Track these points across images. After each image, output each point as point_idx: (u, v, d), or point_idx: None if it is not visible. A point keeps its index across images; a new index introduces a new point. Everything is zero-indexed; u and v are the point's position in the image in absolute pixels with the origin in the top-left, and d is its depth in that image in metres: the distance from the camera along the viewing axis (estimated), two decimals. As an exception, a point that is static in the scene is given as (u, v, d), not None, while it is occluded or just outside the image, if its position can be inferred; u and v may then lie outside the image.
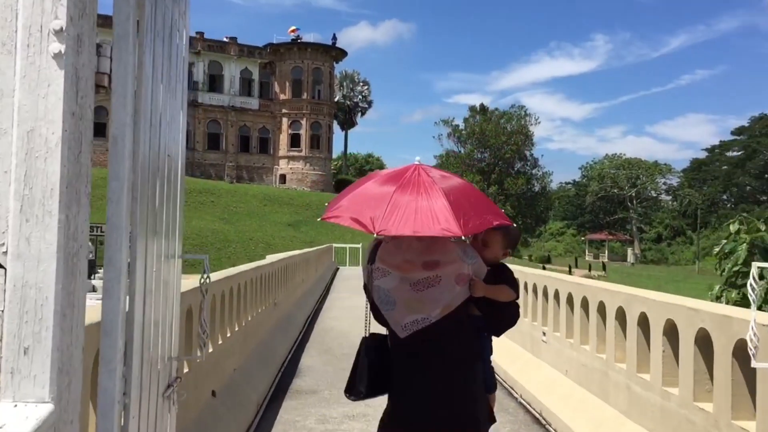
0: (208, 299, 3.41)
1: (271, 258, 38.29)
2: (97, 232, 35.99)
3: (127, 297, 2.24)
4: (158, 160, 2.60)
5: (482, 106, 61.41)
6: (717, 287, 11.51)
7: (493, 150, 56.83)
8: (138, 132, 2.27)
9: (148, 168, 2.44)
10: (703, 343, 4.63)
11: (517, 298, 3.56)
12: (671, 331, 5.10)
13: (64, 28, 1.87)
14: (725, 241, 12.07)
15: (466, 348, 3.35)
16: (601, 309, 6.48)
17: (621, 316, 6.03)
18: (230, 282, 7.36)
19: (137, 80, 2.30)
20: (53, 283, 1.83)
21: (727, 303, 10.64)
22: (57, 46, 1.86)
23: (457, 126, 59.04)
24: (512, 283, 3.52)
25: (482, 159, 58.09)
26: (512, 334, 9.53)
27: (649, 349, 5.46)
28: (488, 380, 3.94)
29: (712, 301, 11.23)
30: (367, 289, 3.43)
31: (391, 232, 3.02)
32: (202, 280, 3.35)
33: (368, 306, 3.49)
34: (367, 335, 3.58)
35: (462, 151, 58.69)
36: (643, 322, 5.56)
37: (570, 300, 7.49)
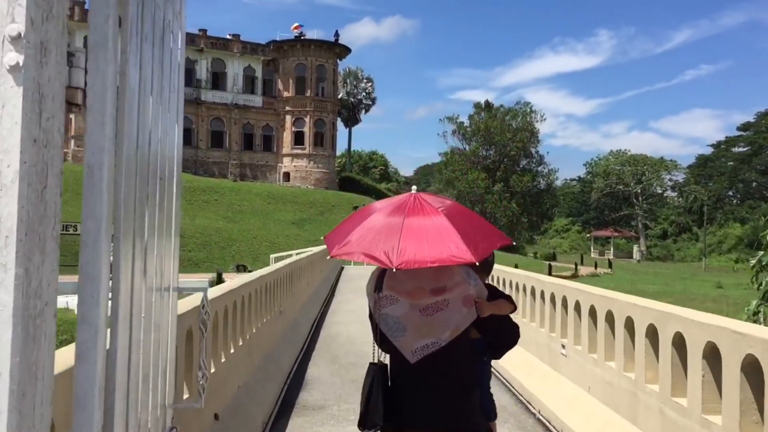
0: (208, 337, 3.03)
1: (275, 262, 38.22)
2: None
3: (107, 357, 1.86)
4: (147, 185, 2.22)
5: (487, 102, 60.77)
6: (754, 302, 10.99)
7: (498, 147, 56.26)
8: (120, 158, 1.89)
9: (135, 197, 2.06)
10: (751, 370, 4.23)
11: (515, 309, 3.72)
12: (712, 355, 4.70)
13: (22, 34, 1.48)
14: (762, 252, 11.56)
15: (470, 371, 3.41)
16: (629, 325, 6.08)
17: (652, 333, 5.63)
18: (233, 296, 6.99)
19: (119, 94, 1.91)
20: (8, 356, 1.45)
21: (765, 319, 10.18)
22: (14, 57, 1.48)
23: (462, 123, 58.44)
24: (506, 296, 3.68)
25: (487, 156, 57.50)
26: (527, 344, 9.15)
27: (685, 372, 5.07)
28: (488, 407, 3.98)
29: (748, 318, 10.75)
30: (373, 317, 3.43)
31: (410, 266, 3.05)
32: (202, 315, 2.97)
33: (375, 333, 3.47)
34: (375, 361, 3.50)
35: (467, 149, 58.08)
36: (679, 342, 5.16)
37: (593, 312, 7.09)
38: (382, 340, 3.38)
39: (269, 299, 9.42)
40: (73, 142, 59.47)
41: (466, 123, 58.32)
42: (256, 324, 8.31)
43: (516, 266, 54.83)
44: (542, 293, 8.89)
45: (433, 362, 3.24)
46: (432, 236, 3.15)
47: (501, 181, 54.41)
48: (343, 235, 3.39)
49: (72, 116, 59.43)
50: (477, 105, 59.59)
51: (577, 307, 7.59)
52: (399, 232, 3.16)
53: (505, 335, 3.62)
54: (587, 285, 8.32)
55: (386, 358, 3.47)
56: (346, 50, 74.42)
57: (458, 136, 58.08)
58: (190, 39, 67.70)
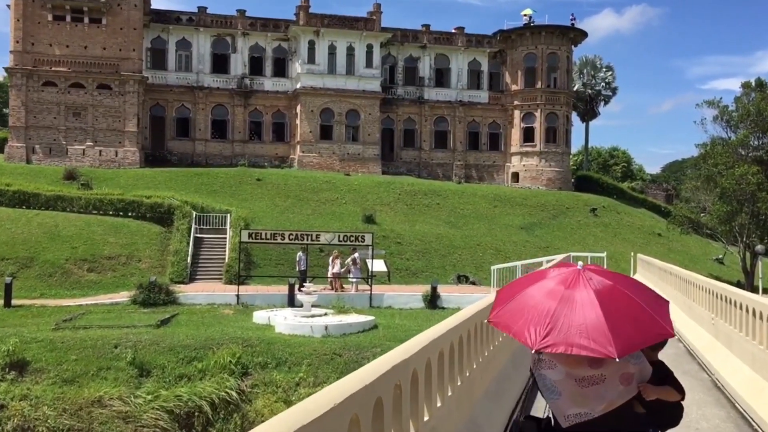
0: None
1: (496, 276, 32.03)
2: (307, 240, 33.11)
3: None
4: None
5: (759, 81, 49.77)
6: None
7: (774, 134, 45.82)
8: None
9: None
10: None
11: (684, 398, 3.68)
12: None
13: None
14: None
15: None
16: None
17: None
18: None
19: None
20: None
21: None
22: None
23: (726, 107, 48.51)
24: (676, 383, 3.69)
25: (761, 146, 47.09)
26: None
27: None
28: None
29: None
30: (533, 372, 3.71)
31: (546, 351, 3.32)
32: None
33: (529, 385, 3.91)
34: (521, 419, 3.86)
35: (733, 138, 48.11)
36: None
37: None
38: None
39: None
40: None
41: (731, 107, 48.40)
42: None
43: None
44: None
45: (587, 429, 3.39)
46: (580, 322, 3.28)
47: (779, 175, 43.90)
48: (506, 299, 3.66)
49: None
50: (746, 84, 49.00)
51: None
52: (551, 314, 3.35)
53: (666, 418, 3.61)
54: None
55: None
56: (581, 35, 66.75)
57: (721, 124, 48.36)
58: (413, 36, 64.85)
